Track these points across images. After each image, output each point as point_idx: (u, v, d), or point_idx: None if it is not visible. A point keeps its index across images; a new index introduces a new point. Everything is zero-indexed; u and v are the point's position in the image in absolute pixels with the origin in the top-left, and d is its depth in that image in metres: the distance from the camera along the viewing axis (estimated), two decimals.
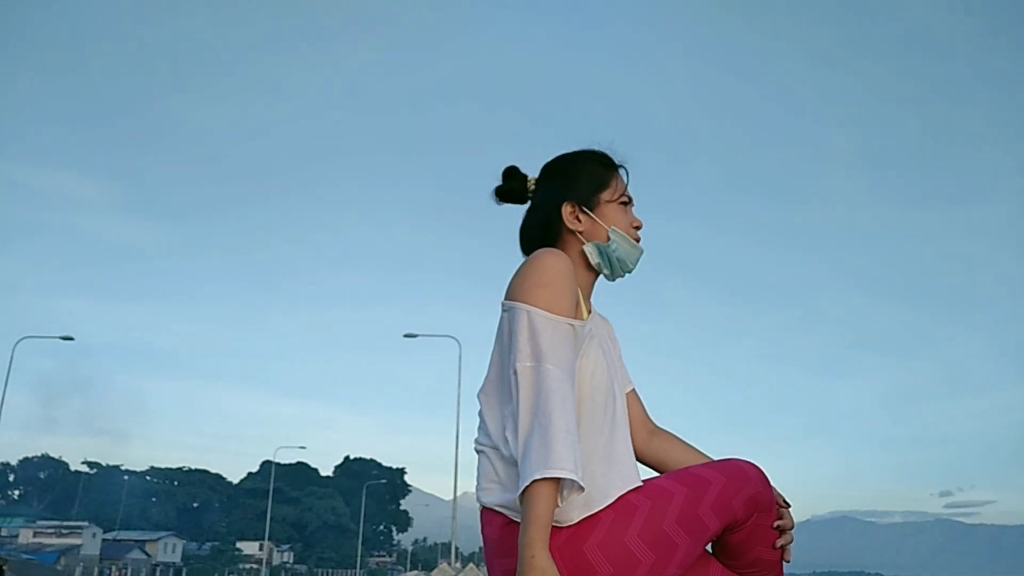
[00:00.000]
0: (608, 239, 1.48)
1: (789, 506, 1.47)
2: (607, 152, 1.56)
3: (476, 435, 1.40)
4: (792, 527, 1.45)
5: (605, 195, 1.51)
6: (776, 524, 1.43)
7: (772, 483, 1.43)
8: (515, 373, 1.27)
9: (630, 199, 1.54)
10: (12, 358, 23.95)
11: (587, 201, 1.50)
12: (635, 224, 1.53)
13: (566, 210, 1.50)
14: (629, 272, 1.52)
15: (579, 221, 1.50)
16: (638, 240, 1.53)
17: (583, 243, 1.48)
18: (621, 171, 1.56)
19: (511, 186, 1.58)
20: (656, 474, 1.52)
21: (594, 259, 1.48)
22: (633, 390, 1.62)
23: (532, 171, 1.59)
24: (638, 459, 1.56)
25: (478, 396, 1.41)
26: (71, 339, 25.29)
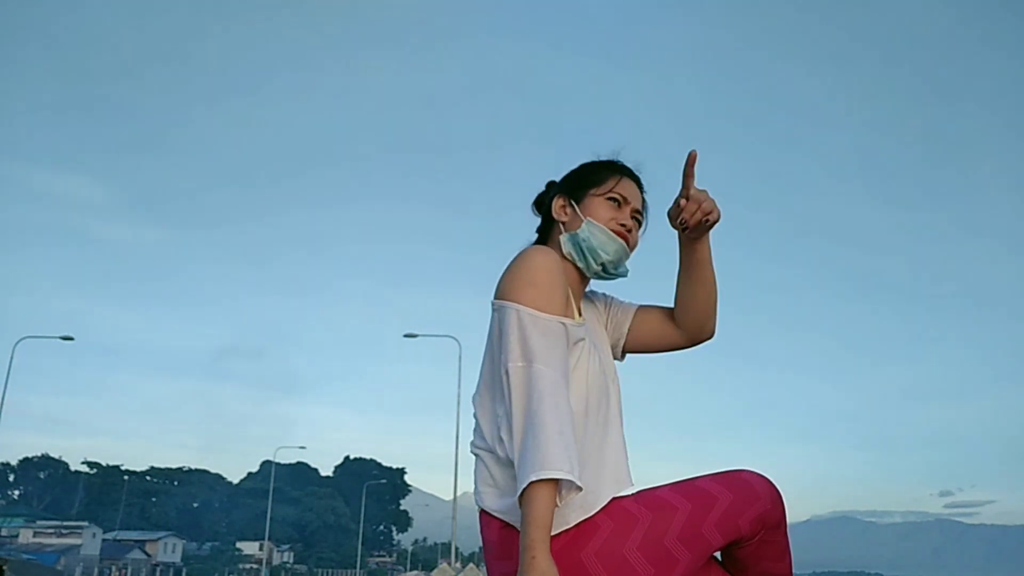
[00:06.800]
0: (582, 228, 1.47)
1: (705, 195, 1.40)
2: (614, 158, 1.56)
3: (472, 438, 1.40)
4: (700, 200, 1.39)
5: (594, 190, 1.50)
6: (678, 199, 1.40)
7: (783, 499, 1.40)
8: (506, 373, 1.26)
9: (623, 198, 1.49)
10: (12, 358, 24.01)
11: (575, 194, 1.51)
12: (620, 220, 1.48)
13: (557, 203, 1.52)
14: (608, 265, 1.47)
15: (565, 213, 1.51)
16: (622, 236, 1.47)
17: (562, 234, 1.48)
18: (627, 179, 1.52)
19: (541, 197, 1.59)
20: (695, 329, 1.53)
21: (566, 248, 1.47)
22: (640, 307, 1.59)
23: (539, 176, 1.61)
24: (682, 319, 1.54)
25: (473, 400, 1.40)
26: (71, 339, 25.34)
